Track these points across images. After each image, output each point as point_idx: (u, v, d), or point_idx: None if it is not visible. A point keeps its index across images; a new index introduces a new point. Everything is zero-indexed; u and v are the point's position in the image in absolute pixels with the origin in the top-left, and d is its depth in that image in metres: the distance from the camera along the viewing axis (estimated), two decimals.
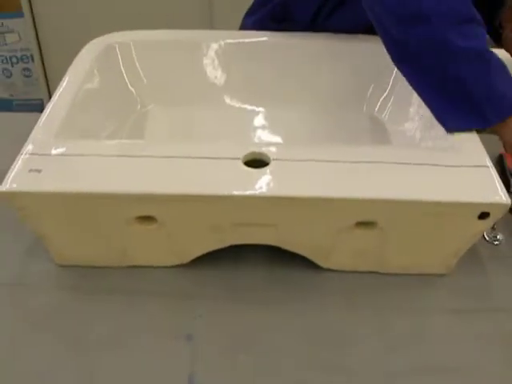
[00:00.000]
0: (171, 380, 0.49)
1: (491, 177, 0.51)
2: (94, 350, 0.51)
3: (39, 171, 0.51)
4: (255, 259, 0.59)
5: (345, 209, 0.51)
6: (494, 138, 0.73)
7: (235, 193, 0.50)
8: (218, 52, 0.75)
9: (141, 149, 0.54)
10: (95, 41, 0.73)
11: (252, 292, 0.56)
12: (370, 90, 0.75)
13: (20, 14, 1.69)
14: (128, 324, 0.53)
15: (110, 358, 0.50)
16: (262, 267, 0.59)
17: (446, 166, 0.52)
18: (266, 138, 0.72)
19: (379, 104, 0.75)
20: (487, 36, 0.60)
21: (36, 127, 0.57)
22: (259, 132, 0.73)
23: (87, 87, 0.65)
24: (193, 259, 0.58)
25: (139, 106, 0.75)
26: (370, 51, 0.74)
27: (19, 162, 0.52)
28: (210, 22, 1.61)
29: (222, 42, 0.75)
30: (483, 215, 0.50)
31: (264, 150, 0.53)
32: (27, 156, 0.53)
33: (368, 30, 0.69)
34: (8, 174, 0.51)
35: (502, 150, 0.74)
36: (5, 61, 1.86)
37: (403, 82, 0.71)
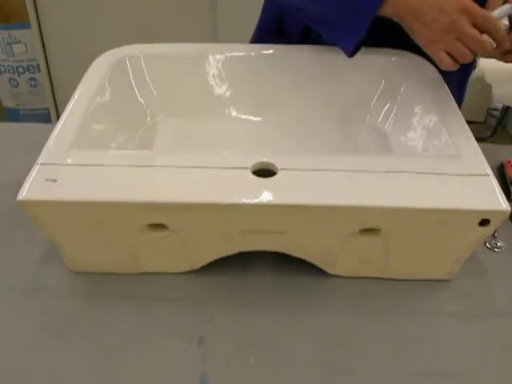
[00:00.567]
0: (184, 382, 0.50)
1: (492, 185, 0.53)
2: (108, 354, 0.52)
3: (55, 181, 0.53)
4: (264, 265, 0.61)
5: (350, 216, 0.53)
6: (495, 147, 0.75)
7: (244, 201, 0.51)
8: (225, 64, 0.77)
9: (152, 159, 0.56)
10: (107, 53, 0.75)
11: (261, 297, 0.58)
12: (374, 101, 0.77)
13: (27, 25, 1.71)
14: (141, 328, 0.55)
15: (124, 361, 0.52)
16: (271, 273, 0.60)
17: (447, 174, 0.54)
18: (272, 148, 0.74)
19: (382, 115, 0.76)
20: None
21: (50, 138, 0.58)
22: (266, 142, 0.74)
23: (99, 99, 0.67)
24: (203, 265, 0.60)
25: (149, 118, 0.76)
26: (373, 63, 0.76)
27: (35, 171, 0.54)
28: (215, 36, 1.63)
29: (229, 55, 0.77)
30: (484, 222, 0.52)
31: (272, 159, 0.55)
32: (43, 166, 0.54)
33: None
34: (25, 184, 0.52)
35: (503, 159, 0.76)
36: (11, 71, 1.89)
37: (406, 93, 0.74)
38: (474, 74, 1.71)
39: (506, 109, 2.18)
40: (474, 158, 0.57)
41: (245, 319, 0.56)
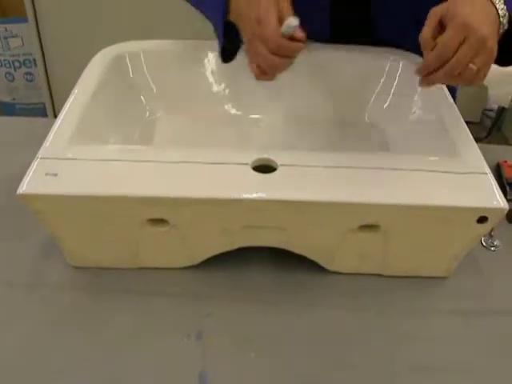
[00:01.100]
0: (182, 377, 0.50)
1: (489, 183, 0.54)
2: (107, 348, 0.53)
3: (55, 175, 0.53)
4: (263, 261, 0.61)
5: (349, 212, 0.53)
6: (491, 147, 0.75)
7: (244, 197, 0.52)
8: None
9: (152, 154, 0.56)
10: (106, 49, 0.75)
11: (260, 293, 0.58)
12: (372, 99, 0.78)
13: (24, 20, 1.70)
14: (140, 323, 0.55)
15: (122, 356, 0.52)
16: (270, 269, 0.61)
17: (446, 172, 0.54)
18: (272, 145, 0.74)
19: (381, 113, 0.77)
20: None
21: (50, 132, 0.58)
22: (266, 139, 0.75)
23: (99, 95, 0.67)
24: (203, 261, 0.60)
25: (148, 114, 0.77)
26: (372, 61, 0.76)
27: (35, 165, 0.54)
28: (214, 33, 1.63)
29: None
30: (482, 219, 0.52)
31: (272, 155, 0.56)
32: (43, 160, 0.54)
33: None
34: (25, 177, 0.52)
35: (499, 160, 0.77)
36: (8, 65, 1.88)
37: (404, 93, 0.74)
38: None
39: (501, 110, 2.19)
40: (472, 157, 0.57)
41: (244, 315, 0.56)
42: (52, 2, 1.64)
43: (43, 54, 1.75)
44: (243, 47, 0.56)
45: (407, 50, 0.77)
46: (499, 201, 0.52)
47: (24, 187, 0.52)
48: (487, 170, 0.55)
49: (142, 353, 0.52)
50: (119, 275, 0.59)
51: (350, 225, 0.54)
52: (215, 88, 0.78)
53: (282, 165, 0.55)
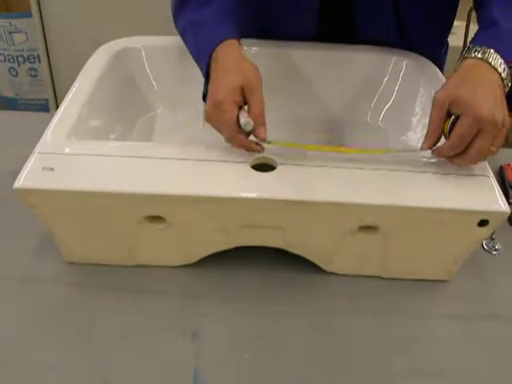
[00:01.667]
0: (177, 376, 0.50)
1: (492, 186, 0.53)
2: (101, 346, 0.52)
3: (52, 169, 0.53)
4: (260, 261, 0.61)
5: (348, 213, 0.52)
6: None
7: (242, 195, 0.51)
8: None
9: (151, 150, 0.56)
10: (107, 45, 0.75)
11: (257, 293, 0.58)
12: (374, 100, 0.77)
13: (28, 15, 1.70)
14: (135, 321, 0.54)
15: (116, 354, 0.51)
16: (267, 269, 0.60)
17: (447, 174, 0.54)
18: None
19: (383, 114, 0.76)
20: None
21: (49, 127, 0.58)
22: None
23: (98, 90, 0.67)
24: (199, 259, 0.59)
25: (148, 110, 0.76)
26: (375, 61, 0.75)
27: (32, 160, 0.53)
28: None
29: None
30: (483, 223, 0.52)
31: (271, 154, 0.55)
32: (40, 154, 0.54)
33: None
34: (22, 172, 0.52)
35: (502, 163, 0.76)
36: (11, 60, 1.87)
37: (407, 93, 0.73)
38: None
39: None
40: None
41: (240, 314, 0.55)
42: None
43: (47, 49, 1.74)
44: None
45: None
46: (501, 204, 0.51)
47: (21, 182, 0.51)
48: (489, 172, 0.54)
49: (135, 352, 0.52)
50: (115, 272, 0.59)
51: (349, 226, 0.54)
52: None
53: (280, 164, 0.54)
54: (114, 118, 0.70)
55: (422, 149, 0.54)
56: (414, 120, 0.71)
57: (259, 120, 0.54)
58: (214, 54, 0.59)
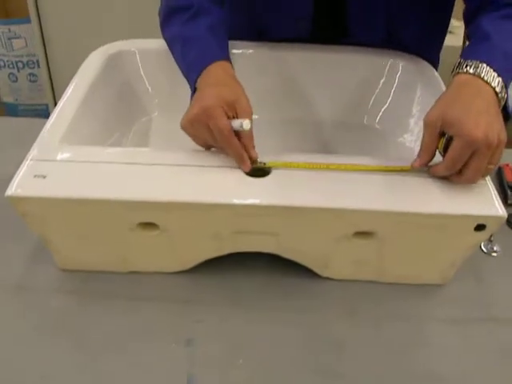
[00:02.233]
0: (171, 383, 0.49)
1: (488, 190, 0.52)
2: (94, 354, 0.52)
3: (44, 177, 0.52)
4: (255, 267, 0.60)
5: (344, 219, 0.52)
6: None
7: (236, 201, 0.51)
8: None
9: (144, 156, 0.55)
10: (101, 49, 0.74)
11: (251, 299, 0.57)
12: (371, 101, 0.76)
13: (27, 20, 1.70)
14: (128, 328, 0.54)
15: (110, 361, 0.51)
16: (262, 275, 0.59)
17: (443, 179, 0.53)
18: (268, 147, 0.73)
19: (380, 115, 0.76)
20: None
21: (42, 133, 0.58)
22: (259, 142, 0.73)
23: (92, 94, 0.66)
24: (193, 266, 0.59)
25: (143, 114, 0.76)
26: (372, 63, 0.75)
27: (25, 167, 0.53)
28: None
29: None
30: (480, 227, 0.51)
31: (265, 159, 0.54)
32: (32, 161, 0.54)
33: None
34: (13, 179, 0.52)
35: (500, 163, 0.75)
36: (11, 66, 1.88)
37: (404, 94, 0.73)
38: None
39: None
40: None
41: (234, 321, 0.55)
42: (55, 3, 1.64)
43: (46, 55, 1.75)
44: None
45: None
46: (498, 208, 0.50)
47: (12, 189, 0.51)
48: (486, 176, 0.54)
49: (129, 359, 0.51)
50: (108, 279, 0.58)
51: (345, 231, 0.53)
52: None
53: (275, 169, 0.53)
54: (108, 122, 0.69)
55: (412, 166, 0.53)
56: (411, 122, 0.70)
57: (250, 142, 0.54)
58: (205, 71, 0.59)
